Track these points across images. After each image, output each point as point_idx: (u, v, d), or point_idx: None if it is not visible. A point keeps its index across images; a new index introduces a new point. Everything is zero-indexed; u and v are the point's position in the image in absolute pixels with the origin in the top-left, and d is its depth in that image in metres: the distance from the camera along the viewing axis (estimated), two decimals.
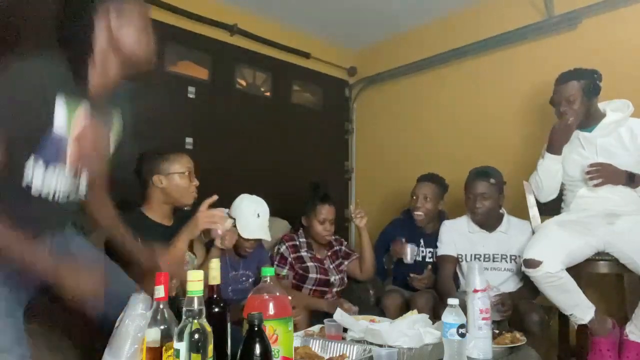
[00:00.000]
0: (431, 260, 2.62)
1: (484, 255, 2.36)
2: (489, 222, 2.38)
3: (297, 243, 2.55)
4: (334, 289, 2.55)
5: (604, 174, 2.04)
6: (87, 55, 1.24)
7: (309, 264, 2.49)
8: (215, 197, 1.81)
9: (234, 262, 2.25)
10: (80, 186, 1.34)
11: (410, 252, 2.53)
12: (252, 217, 2.16)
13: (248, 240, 2.17)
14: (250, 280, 2.29)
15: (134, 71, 1.33)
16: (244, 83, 3.53)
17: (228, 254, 2.18)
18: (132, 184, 2.08)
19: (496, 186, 2.33)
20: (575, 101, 2.13)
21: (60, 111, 1.18)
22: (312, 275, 2.47)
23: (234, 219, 2.08)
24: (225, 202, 2.24)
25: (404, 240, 2.58)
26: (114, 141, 1.45)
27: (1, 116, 1.09)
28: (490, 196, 2.31)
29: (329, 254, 2.62)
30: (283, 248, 2.50)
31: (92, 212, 1.52)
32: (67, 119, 1.20)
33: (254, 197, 2.24)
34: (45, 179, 1.21)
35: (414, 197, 2.63)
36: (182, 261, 1.75)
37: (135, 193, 2.00)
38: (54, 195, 1.25)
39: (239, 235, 2.10)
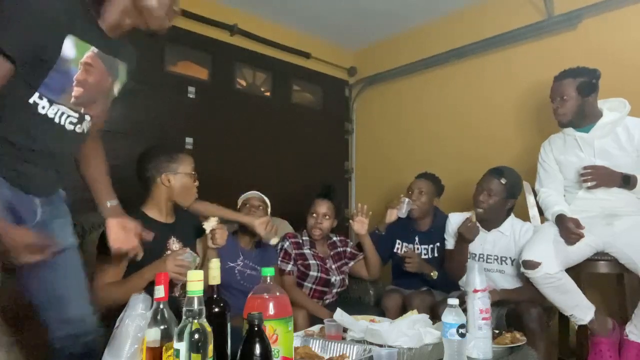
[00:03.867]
0: (427, 257, 2.63)
1: (479, 255, 2.34)
2: (489, 220, 2.33)
3: (300, 241, 2.57)
4: (334, 290, 2.55)
5: (597, 177, 2.04)
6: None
7: (311, 261, 2.50)
8: (187, 250, 1.79)
9: (246, 252, 2.32)
10: (83, 122, 1.36)
11: (406, 206, 2.60)
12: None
13: (252, 200, 2.34)
14: (259, 274, 2.30)
15: (149, 26, 1.35)
16: (244, 83, 3.53)
17: (243, 245, 2.32)
18: (131, 183, 2.08)
19: (506, 187, 2.26)
20: (569, 99, 2.13)
21: (69, 49, 1.22)
22: (313, 273, 2.48)
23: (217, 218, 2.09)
24: (226, 202, 2.25)
25: (402, 196, 2.66)
26: (116, 91, 1.47)
27: (12, 35, 1.13)
28: (496, 194, 2.25)
29: (332, 254, 2.62)
30: (287, 244, 2.52)
31: (82, 161, 1.50)
32: (75, 58, 1.24)
33: None
34: (49, 112, 1.25)
35: (410, 192, 2.69)
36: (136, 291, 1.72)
37: (133, 192, 1.99)
38: (60, 118, 1.28)
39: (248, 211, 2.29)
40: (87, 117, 1.37)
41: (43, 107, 1.24)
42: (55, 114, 1.27)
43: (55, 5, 1.18)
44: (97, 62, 1.31)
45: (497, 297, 2.09)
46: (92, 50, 1.28)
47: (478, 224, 2.33)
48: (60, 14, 1.18)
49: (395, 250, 2.75)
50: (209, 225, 1.97)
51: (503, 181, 2.26)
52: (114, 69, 1.40)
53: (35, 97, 1.22)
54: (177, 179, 1.92)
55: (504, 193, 2.27)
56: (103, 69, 1.34)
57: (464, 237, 2.29)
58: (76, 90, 1.28)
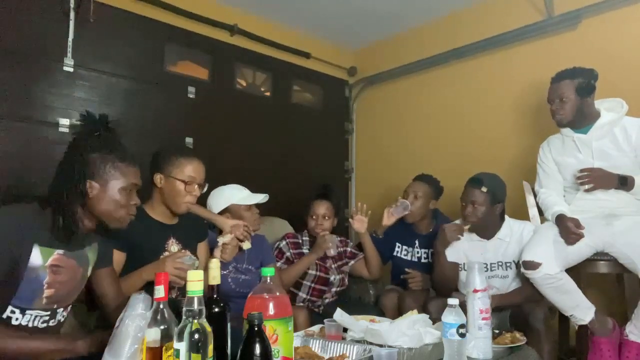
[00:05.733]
0: (427, 261, 2.62)
1: (482, 264, 2.21)
2: (484, 229, 2.29)
3: (300, 241, 2.58)
4: (333, 289, 2.55)
5: (594, 179, 2.03)
6: (70, 209, 1.37)
7: None
8: (187, 253, 1.77)
9: (237, 255, 2.20)
10: (57, 316, 1.43)
11: (401, 206, 2.61)
12: (240, 190, 2.28)
13: (251, 209, 2.27)
14: (254, 275, 2.28)
15: (108, 225, 1.45)
16: (244, 83, 3.53)
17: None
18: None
19: (488, 194, 2.22)
20: (568, 100, 2.12)
21: (36, 258, 1.31)
22: (312, 271, 2.48)
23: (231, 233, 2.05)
24: None
25: (399, 198, 2.66)
26: (89, 273, 1.53)
27: None
28: (481, 204, 2.21)
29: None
30: (283, 244, 2.54)
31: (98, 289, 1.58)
32: (41, 265, 1.33)
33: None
34: (22, 321, 1.33)
35: (405, 195, 2.66)
36: (133, 290, 1.71)
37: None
38: (32, 322, 1.36)
39: (242, 213, 2.22)
40: (60, 311, 1.43)
41: (17, 319, 1.32)
42: (29, 320, 1.34)
43: (21, 222, 1.30)
44: (65, 260, 1.39)
45: (493, 304, 2.07)
46: (57, 252, 1.36)
47: (477, 236, 2.31)
48: (28, 229, 1.30)
49: (395, 253, 2.74)
50: (223, 239, 1.97)
51: (484, 189, 2.21)
52: (83, 258, 1.47)
53: (8, 312, 1.30)
54: (168, 182, 1.86)
55: (489, 201, 2.22)
56: (73, 264, 1.41)
57: (444, 240, 2.28)
58: (47, 292, 1.36)
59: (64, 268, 1.38)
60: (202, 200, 2.07)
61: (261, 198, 2.29)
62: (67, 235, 1.36)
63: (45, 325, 1.39)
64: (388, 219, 2.66)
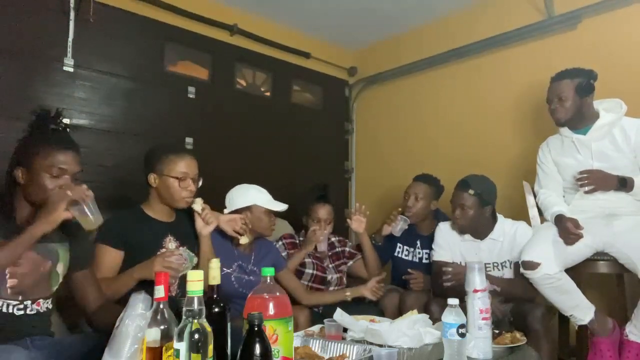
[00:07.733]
0: (428, 261, 2.63)
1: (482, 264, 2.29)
2: (476, 230, 2.31)
3: (297, 241, 2.58)
4: (331, 288, 2.56)
5: (593, 180, 2.03)
6: (7, 197, 1.43)
7: (306, 260, 2.51)
8: (176, 252, 1.76)
9: (243, 256, 2.23)
10: (28, 309, 1.43)
11: (400, 225, 2.60)
12: (264, 193, 2.25)
13: (270, 215, 2.24)
14: (258, 278, 2.27)
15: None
16: (244, 83, 3.53)
17: (236, 247, 2.20)
18: (130, 183, 2.08)
19: (476, 197, 2.23)
20: (567, 100, 2.12)
21: None
22: (309, 270, 2.49)
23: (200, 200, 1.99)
24: (224, 202, 2.25)
25: (395, 213, 2.64)
26: (61, 271, 1.51)
27: None
28: (470, 207, 2.23)
29: (330, 254, 2.63)
30: (279, 244, 2.55)
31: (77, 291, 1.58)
32: None
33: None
34: None
35: (406, 197, 2.65)
36: (125, 289, 1.70)
37: (132, 192, 1.97)
38: (7, 308, 1.38)
39: (261, 216, 2.19)
40: (29, 303, 1.43)
41: None
42: (1, 306, 1.37)
43: None
44: (26, 253, 1.39)
45: (494, 282, 2.07)
46: None
47: (471, 236, 2.32)
48: None
49: (395, 253, 2.74)
50: (198, 205, 1.91)
51: (471, 192, 2.22)
52: (51, 253, 1.47)
53: None
54: (162, 181, 1.87)
55: (477, 203, 2.24)
56: (35, 256, 1.42)
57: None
58: (10, 282, 1.38)
59: (24, 259, 1.39)
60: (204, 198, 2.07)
61: (284, 207, 2.25)
62: (7, 224, 1.38)
63: (22, 312, 1.40)
64: (386, 231, 2.67)
